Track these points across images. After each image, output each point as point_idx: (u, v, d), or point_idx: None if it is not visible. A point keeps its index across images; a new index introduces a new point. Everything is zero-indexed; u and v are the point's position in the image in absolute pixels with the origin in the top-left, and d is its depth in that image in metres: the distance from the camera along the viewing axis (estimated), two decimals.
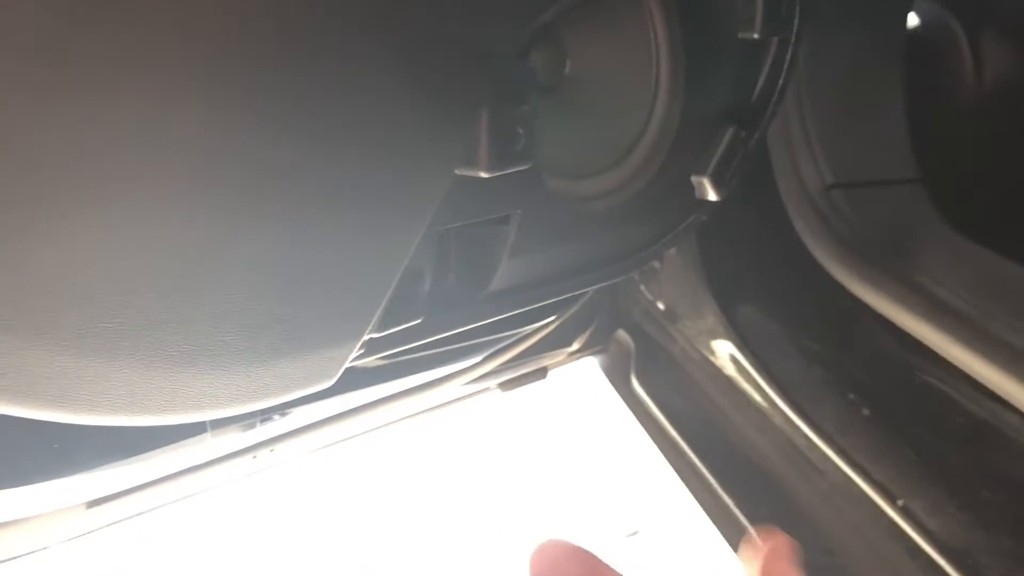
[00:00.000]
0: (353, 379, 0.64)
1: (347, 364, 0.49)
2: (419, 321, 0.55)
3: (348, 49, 0.40)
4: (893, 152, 0.90)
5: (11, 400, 0.37)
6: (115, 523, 0.79)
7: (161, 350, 0.40)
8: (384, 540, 1.99)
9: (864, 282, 0.80)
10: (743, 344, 0.93)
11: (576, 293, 0.67)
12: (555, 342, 1.03)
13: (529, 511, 2.07)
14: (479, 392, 1.03)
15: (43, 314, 0.36)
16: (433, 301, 0.56)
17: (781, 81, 0.65)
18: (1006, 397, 0.68)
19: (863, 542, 0.77)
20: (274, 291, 0.43)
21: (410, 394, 0.87)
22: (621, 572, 0.37)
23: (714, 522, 0.90)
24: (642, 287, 1.09)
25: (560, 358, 1.09)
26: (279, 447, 0.82)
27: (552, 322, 0.88)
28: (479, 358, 0.81)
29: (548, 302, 0.65)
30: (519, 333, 0.78)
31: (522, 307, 0.63)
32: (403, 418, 0.95)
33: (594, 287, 0.68)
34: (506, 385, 1.04)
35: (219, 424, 0.62)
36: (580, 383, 1.40)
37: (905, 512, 0.74)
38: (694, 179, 0.62)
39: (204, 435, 0.62)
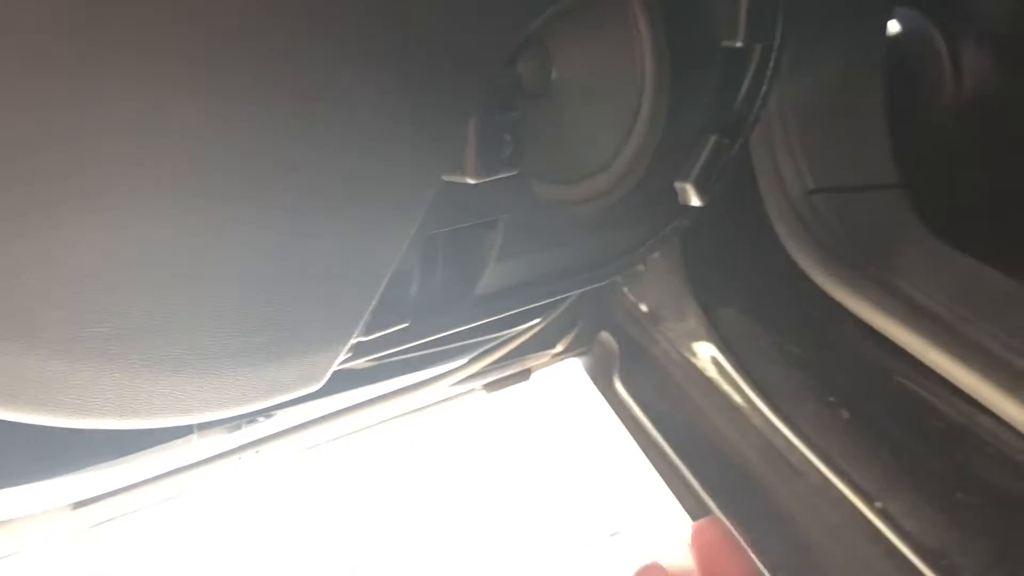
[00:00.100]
0: (340, 381, 0.65)
1: (334, 368, 0.49)
2: (406, 325, 0.55)
3: (337, 56, 0.41)
4: (874, 158, 0.90)
5: (0, 403, 0.37)
6: (101, 524, 0.78)
7: (151, 354, 0.40)
8: (369, 540, 1.99)
9: (844, 286, 0.81)
10: (725, 347, 0.93)
11: (561, 296, 0.68)
12: (539, 344, 1.04)
13: (512, 511, 2.08)
14: (464, 393, 1.03)
15: (33, 318, 0.36)
16: (420, 305, 0.56)
17: (764, 88, 0.65)
18: (982, 401, 0.69)
19: (841, 543, 0.77)
20: (263, 295, 0.43)
21: (394, 396, 0.87)
22: None
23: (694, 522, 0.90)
24: (625, 289, 1.09)
25: (544, 360, 1.09)
26: (265, 448, 0.82)
27: (537, 324, 0.89)
28: (465, 360, 0.82)
29: (534, 305, 0.66)
30: (504, 335, 0.79)
31: (508, 310, 0.63)
32: (388, 419, 0.95)
33: (579, 290, 0.69)
34: (491, 386, 1.04)
35: (205, 426, 0.62)
36: (564, 384, 1.41)
37: (883, 514, 0.75)
38: (678, 185, 0.63)
39: (191, 436, 0.62)
